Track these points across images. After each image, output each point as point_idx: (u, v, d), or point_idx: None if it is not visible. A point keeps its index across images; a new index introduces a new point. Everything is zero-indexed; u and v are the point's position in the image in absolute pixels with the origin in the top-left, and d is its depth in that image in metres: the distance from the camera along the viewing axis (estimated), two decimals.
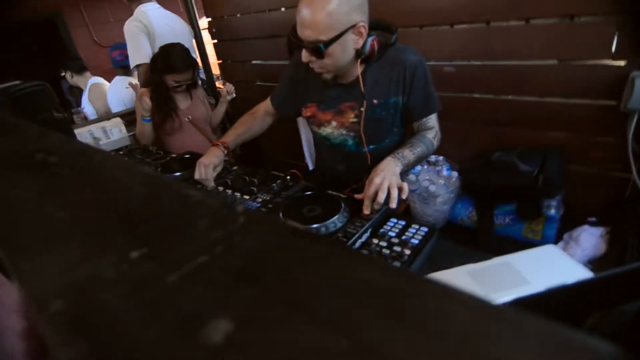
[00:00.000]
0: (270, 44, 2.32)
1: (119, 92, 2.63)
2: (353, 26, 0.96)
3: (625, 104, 1.31)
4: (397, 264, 0.76)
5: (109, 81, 2.82)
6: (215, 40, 2.67)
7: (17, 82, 1.44)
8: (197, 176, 1.15)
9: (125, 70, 2.68)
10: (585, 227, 1.48)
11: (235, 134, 1.30)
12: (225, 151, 1.22)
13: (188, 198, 0.27)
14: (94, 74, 3.12)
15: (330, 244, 0.20)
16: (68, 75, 2.77)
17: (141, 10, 2.23)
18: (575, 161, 1.54)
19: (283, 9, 2.18)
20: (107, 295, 0.20)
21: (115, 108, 2.64)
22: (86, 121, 2.60)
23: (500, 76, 1.59)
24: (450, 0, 1.58)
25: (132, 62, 2.22)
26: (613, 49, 1.33)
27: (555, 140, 1.55)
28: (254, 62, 2.52)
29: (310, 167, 2.06)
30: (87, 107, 2.74)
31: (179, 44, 1.84)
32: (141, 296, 0.19)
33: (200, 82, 2.46)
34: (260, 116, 1.34)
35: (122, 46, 2.71)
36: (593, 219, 1.51)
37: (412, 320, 0.15)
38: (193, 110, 1.98)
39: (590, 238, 1.45)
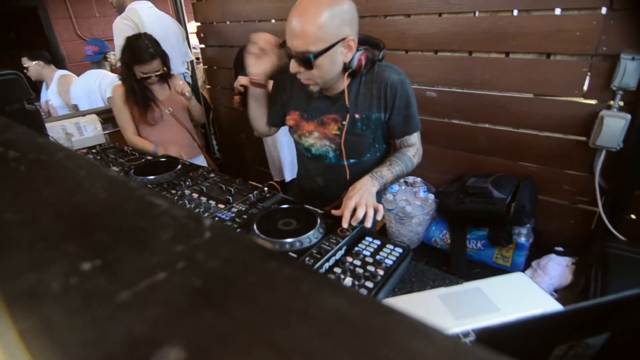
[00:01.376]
0: None
1: (87, 85, 2.56)
2: (343, 39, 0.97)
3: (594, 141, 1.38)
4: (370, 284, 0.75)
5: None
6: (203, 46, 2.65)
7: None
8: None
9: (99, 64, 2.69)
10: (553, 256, 1.53)
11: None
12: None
13: (153, 207, 0.25)
14: (73, 67, 3.04)
15: (299, 267, 0.19)
16: (38, 65, 2.62)
17: (133, 7, 2.19)
18: (546, 192, 1.60)
19: (273, 21, 2.20)
20: (51, 309, 0.18)
21: (79, 100, 2.56)
22: (50, 115, 2.51)
23: (478, 105, 1.64)
24: (437, 28, 1.63)
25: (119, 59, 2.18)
26: (585, 88, 1.40)
27: (527, 170, 1.61)
28: None
29: (277, 179, 2.06)
30: (56, 100, 2.64)
31: (144, 34, 1.81)
32: (88, 314, 0.17)
33: (184, 78, 2.44)
34: None
35: (95, 43, 2.72)
36: (560, 248, 1.56)
37: (380, 356, 0.14)
38: (172, 101, 1.94)
39: (556, 267, 1.49)
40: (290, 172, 2.06)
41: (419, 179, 1.74)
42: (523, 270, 1.53)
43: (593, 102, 1.41)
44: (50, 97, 2.66)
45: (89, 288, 0.19)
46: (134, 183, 0.28)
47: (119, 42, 2.14)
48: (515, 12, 1.45)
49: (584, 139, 1.44)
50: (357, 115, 1.10)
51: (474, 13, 1.52)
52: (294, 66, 1.00)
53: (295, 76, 1.12)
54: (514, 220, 1.44)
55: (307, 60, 0.96)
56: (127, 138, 1.94)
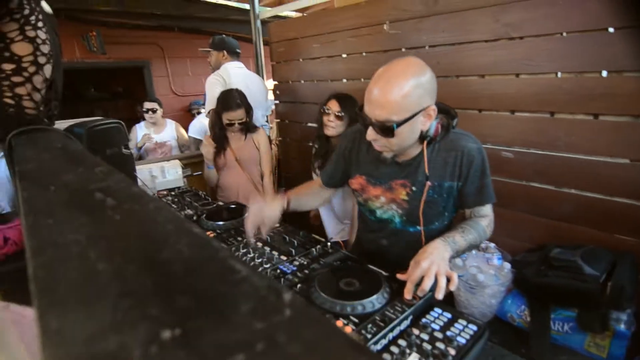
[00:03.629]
0: None
1: (199, 125, 3.31)
2: (424, 109, 0.96)
3: None
4: None
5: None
6: (277, 102, 2.86)
7: (99, 117, 1.60)
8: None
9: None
10: None
11: (298, 194, 1.29)
12: (285, 206, 1.20)
13: (233, 272, 0.25)
14: (166, 117, 3.51)
15: None
16: (160, 111, 3.26)
17: (225, 66, 2.59)
18: None
19: (344, 80, 2.31)
20: None
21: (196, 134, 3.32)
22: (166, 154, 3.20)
23: (563, 168, 1.50)
24: (513, 89, 1.57)
25: (206, 108, 2.54)
26: None
27: (625, 244, 1.40)
28: (309, 124, 2.64)
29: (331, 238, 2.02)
30: (174, 142, 3.31)
31: (235, 89, 2.12)
32: None
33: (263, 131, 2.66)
34: (317, 187, 1.36)
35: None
36: None
37: None
38: (242, 150, 2.17)
39: None
40: (332, 231, 2.03)
41: (492, 245, 1.60)
42: None
43: None
44: (166, 138, 3.29)
45: None
46: (216, 242, 0.28)
47: (208, 93, 2.50)
48: (605, 74, 1.36)
49: None
50: (428, 183, 1.07)
51: (556, 74, 1.45)
52: (371, 134, 1.01)
53: (361, 141, 1.13)
54: (610, 302, 1.23)
55: (387, 129, 0.96)
56: None
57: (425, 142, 1.03)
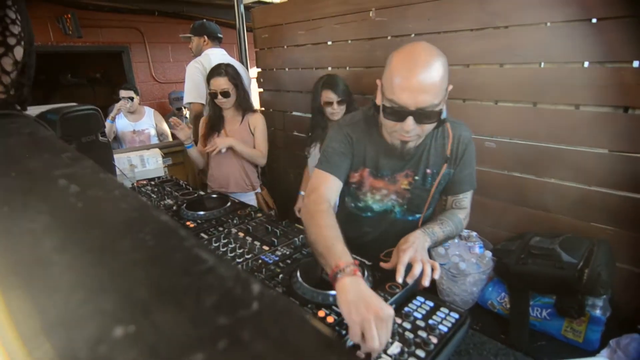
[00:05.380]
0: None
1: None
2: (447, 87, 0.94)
3: None
4: (421, 353, 0.67)
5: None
6: (261, 90, 2.80)
7: (73, 104, 1.53)
8: None
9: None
10: (636, 336, 1.31)
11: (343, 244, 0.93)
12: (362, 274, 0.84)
13: (199, 262, 0.23)
14: (147, 105, 3.38)
15: None
16: (137, 98, 3.07)
17: (206, 53, 2.45)
18: (625, 259, 1.41)
19: (330, 68, 2.27)
20: None
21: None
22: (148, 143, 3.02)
23: (544, 158, 1.52)
24: (497, 78, 1.58)
25: (186, 99, 2.40)
26: None
27: (602, 232, 1.44)
28: (294, 113, 2.60)
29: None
30: (152, 130, 3.16)
31: (227, 63, 2.01)
32: None
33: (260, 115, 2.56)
34: (330, 207, 1.05)
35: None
36: None
37: None
38: (235, 135, 2.04)
39: None
40: None
41: (474, 233, 1.61)
42: (598, 349, 1.32)
43: None
44: (145, 127, 3.12)
45: None
46: (184, 231, 0.26)
47: (188, 82, 2.36)
48: (587, 64, 1.37)
49: None
50: (428, 170, 1.07)
51: (540, 64, 1.46)
52: (410, 124, 0.91)
53: (369, 132, 1.07)
54: (587, 289, 1.26)
55: (432, 114, 0.90)
56: None
57: (435, 125, 0.96)
